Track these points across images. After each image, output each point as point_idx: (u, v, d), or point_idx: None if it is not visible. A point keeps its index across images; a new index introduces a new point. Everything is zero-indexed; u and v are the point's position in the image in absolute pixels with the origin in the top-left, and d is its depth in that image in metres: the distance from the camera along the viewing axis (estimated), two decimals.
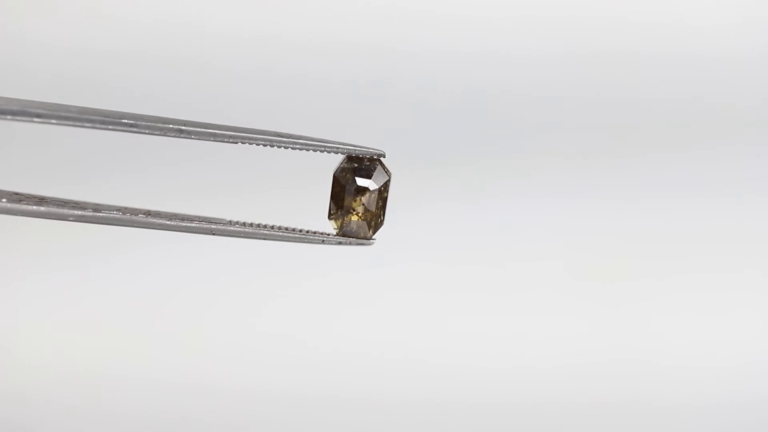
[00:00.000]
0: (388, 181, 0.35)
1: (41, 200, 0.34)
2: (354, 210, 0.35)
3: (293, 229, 0.35)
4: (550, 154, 0.71)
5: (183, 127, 0.34)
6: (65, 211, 0.34)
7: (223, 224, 0.35)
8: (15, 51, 0.65)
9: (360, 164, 0.35)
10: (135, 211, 0.34)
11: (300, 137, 0.35)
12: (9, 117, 0.33)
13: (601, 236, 0.69)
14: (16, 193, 0.35)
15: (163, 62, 0.66)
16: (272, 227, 0.35)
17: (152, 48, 0.66)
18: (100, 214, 0.34)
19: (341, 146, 0.35)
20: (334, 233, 0.35)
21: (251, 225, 0.35)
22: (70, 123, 0.34)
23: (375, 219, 0.35)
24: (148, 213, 0.35)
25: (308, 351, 0.63)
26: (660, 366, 0.66)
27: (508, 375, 0.64)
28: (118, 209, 0.34)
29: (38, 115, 0.33)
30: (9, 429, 0.58)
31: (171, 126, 0.34)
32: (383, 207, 0.35)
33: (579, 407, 0.63)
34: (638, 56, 0.72)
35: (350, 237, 0.35)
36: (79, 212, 0.34)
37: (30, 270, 0.63)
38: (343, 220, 0.35)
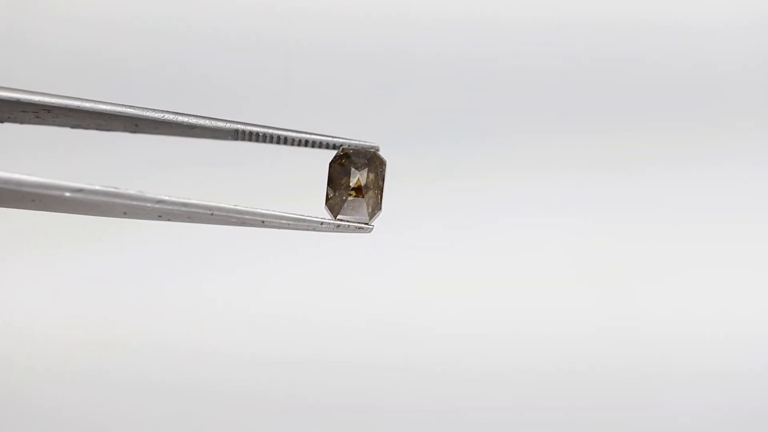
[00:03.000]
0: (384, 167, 0.36)
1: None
2: (351, 188, 0.35)
3: (291, 215, 0.35)
4: (547, 130, 0.71)
5: (185, 120, 0.35)
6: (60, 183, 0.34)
7: (222, 209, 0.35)
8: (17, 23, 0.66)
9: (356, 150, 0.36)
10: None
11: (295, 131, 0.36)
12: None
13: (599, 209, 0.69)
14: None
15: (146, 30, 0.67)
16: (270, 213, 0.35)
17: (136, 19, 0.67)
18: (96, 198, 0.34)
19: (336, 140, 0.36)
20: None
21: (249, 211, 0.35)
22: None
23: (372, 200, 0.35)
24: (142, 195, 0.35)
25: (311, 324, 0.61)
26: (661, 334, 0.64)
27: (510, 343, 0.62)
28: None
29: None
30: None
31: (173, 119, 0.35)
32: (380, 192, 0.36)
33: (582, 374, 0.61)
34: (639, 26, 0.73)
35: (348, 222, 0.35)
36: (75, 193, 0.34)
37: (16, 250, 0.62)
38: (341, 200, 0.35)
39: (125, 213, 0.34)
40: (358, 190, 0.35)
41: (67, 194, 0.33)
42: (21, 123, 0.36)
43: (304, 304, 0.64)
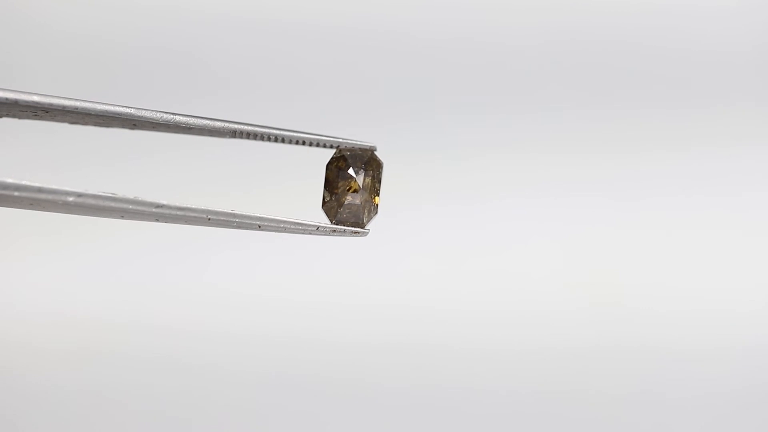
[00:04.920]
0: (381, 169, 0.36)
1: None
2: (348, 192, 0.35)
3: (287, 219, 0.36)
4: (541, 105, 0.71)
5: (182, 122, 0.35)
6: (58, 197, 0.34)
7: (219, 214, 0.35)
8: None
9: (353, 151, 0.36)
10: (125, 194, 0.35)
11: (293, 131, 0.36)
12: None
13: (598, 191, 0.70)
14: None
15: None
16: (267, 217, 0.35)
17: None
18: (90, 201, 0.34)
19: (334, 140, 0.36)
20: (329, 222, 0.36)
21: (246, 215, 0.35)
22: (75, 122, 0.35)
23: (369, 204, 0.36)
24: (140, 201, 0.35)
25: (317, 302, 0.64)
26: (662, 311, 0.65)
27: (511, 325, 0.64)
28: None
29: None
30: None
31: (170, 120, 0.35)
32: (377, 195, 0.36)
33: (585, 352, 0.62)
34: (636, 7, 0.72)
35: (345, 225, 0.36)
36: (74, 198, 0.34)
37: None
38: (337, 204, 0.35)
39: (123, 216, 0.35)
40: (355, 195, 0.35)
41: (70, 199, 0.34)
42: (20, 119, 0.36)
43: (304, 288, 0.65)
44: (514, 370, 0.62)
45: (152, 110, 0.35)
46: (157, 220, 0.35)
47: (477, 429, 0.59)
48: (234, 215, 0.35)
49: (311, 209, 0.37)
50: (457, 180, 0.69)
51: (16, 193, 0.33)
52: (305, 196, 0.40)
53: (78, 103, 0.35)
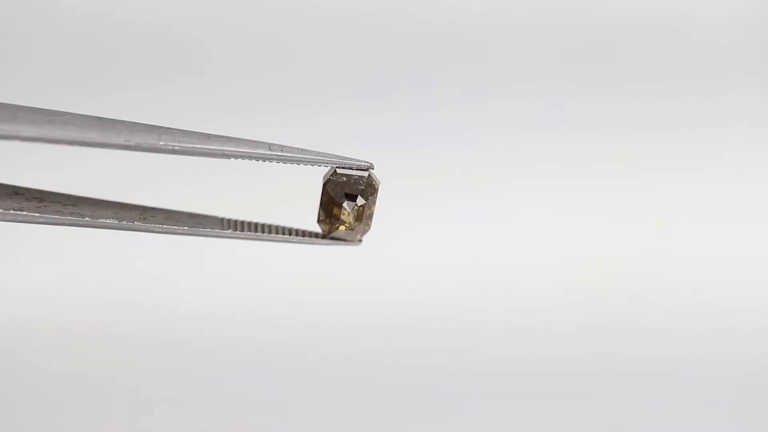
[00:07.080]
0: (376, 193, 0.36)
1: (41, 200, 0.36)
2: (342, 220, 0.36)
3: (283, 230, 0.37)
4: (530, 85, 0.67)
5: (176, 146, 0.34)
6: (64, 218, 0.35)
7: (216, 226, 0.36)
8: None
9: (349, 177, 0.35)
10: (130, 217, 0.36)
11: (290, 149, 0.35)
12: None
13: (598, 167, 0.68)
14: (16, 193, 0.36)
15: None
16: (263, 228, 0.37)
17: None
18: (98, 221, 0.35)
19: (331, 159, 0.36)
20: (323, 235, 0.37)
21: (242, 225, 0.36)
22: (63, 143, 0.34)
23: (362, 227, 0.36)
24: (143, 215, 0.36)
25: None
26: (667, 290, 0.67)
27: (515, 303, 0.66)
28: (114, 211, 0.36)
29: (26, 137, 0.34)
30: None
31: (165, 143, 0.34)
32: (371, 216, 0.36)
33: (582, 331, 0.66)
34: None
35: (338, 240, 0.37)
36: (77, 219, 0.35)
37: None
38: (331, 226, 0.36)
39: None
40: (349, 221, 0.36)
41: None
42: None
43: (300, 274, 0.61)
44: (511, 352, 0.62)
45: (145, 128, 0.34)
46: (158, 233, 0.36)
47: (476, 410, 0.61)
48: (233, 226, 0.36)
49: (307, 217, 0.37)
50: (449, 161, 0.63)
51: None
52: (301, 209, 0.40)
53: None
